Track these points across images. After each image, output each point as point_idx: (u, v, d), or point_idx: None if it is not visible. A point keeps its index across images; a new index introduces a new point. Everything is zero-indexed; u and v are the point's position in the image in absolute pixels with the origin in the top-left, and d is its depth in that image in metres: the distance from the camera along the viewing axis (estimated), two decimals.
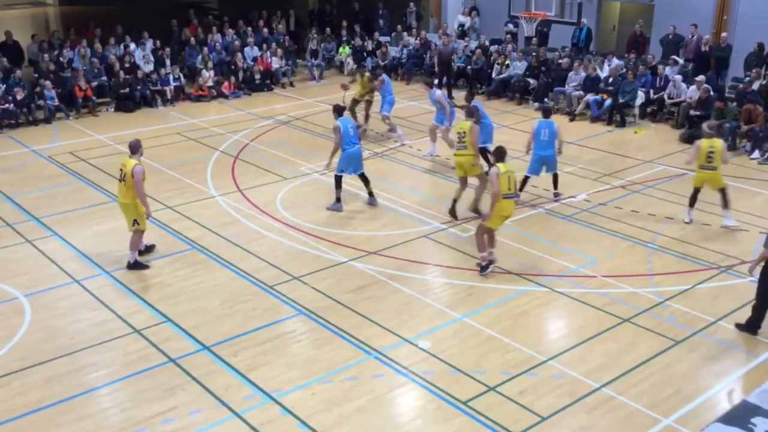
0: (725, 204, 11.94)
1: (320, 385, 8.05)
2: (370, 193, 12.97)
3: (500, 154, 10.25)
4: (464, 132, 11.81)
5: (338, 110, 12.90)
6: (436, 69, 21.39)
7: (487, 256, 10.39)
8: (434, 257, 11.16)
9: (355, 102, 17.25)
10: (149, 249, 11.16)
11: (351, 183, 13.89)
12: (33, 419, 7.56)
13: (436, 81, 20.87)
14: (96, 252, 11.26)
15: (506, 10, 22.62)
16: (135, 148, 10.57)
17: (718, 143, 11.75)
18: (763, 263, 8.61)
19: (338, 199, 12.73)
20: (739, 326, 9.02)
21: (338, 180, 12.70)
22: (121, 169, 10.49)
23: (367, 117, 17.38)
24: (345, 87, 17.54)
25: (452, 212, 12.26)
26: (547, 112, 13.03)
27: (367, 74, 17.40)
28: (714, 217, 12.33)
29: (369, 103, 17.26)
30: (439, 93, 15.59)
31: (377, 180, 14.13)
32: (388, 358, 8.51)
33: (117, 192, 10.81)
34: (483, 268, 10.39)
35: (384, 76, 17.07)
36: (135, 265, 10.67)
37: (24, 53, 21.21)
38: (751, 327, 8.92)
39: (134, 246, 10.66)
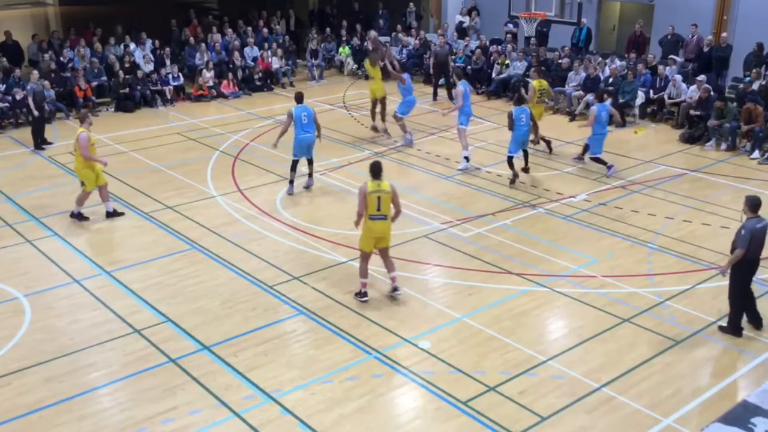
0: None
1: (320, 385, 8.06)
2: (310, 174, 13.74)
3: (374, 169, 9.51)
4: (545, 89, 16.07)
5: (297, 98, 13.68)
6: (431, 71, 21.29)
7: (366, 284, 9.77)
8: (434, 257, 11.17)
9: (374, 104, 16.77)
10: (118, 214, 12.55)
11: (349, 182, 13.91)
12: (33, 419, 7.57)
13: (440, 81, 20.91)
14: (96, 252, 11.27)
15: (506, 10, 22.60)
16: (83, 119, 12.22)
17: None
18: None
19: (291, 182, 13.53)
20: (722, 329, 9.02)
21: (293, 164, 13.47)
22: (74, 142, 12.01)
23: (383, 118, 16.81)
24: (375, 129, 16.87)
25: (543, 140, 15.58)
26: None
27: (368, 59, 16.95)
28: (714, 217, 12.34)
29: (383, 104, 16.64)
30: (461, 88, 15.07)
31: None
32: (388, 358, 8.52)
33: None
34: (359, 294, 9.76)
35: (406, 75, 16.57)
36: (78, 215, 12.32)
37: (24, 53, 21.22)
38: (735, 328, 8.92)
39: (80, 202, 12.31)
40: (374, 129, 16.86)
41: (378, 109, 16.83)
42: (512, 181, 13.88)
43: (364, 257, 9.67)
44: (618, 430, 7.38)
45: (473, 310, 9.54)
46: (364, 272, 9.73)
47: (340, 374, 8.23)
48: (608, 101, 14.74)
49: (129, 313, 9.53)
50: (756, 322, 9.02)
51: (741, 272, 8.71)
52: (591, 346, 8.75)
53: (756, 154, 15.44)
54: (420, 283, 10.29)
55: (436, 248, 11.44)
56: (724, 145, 15.95)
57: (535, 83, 16.09)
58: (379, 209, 9.38)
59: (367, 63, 17.18)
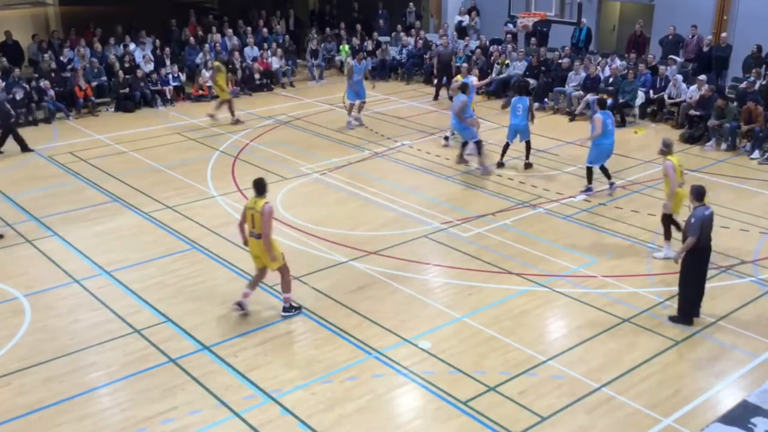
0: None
1: (320, 385, 8.06)
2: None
3: (254, 186, 9.21)
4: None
5: (461, 87, 14.93)
6: (435, 71, 21.31)
7: (248, 294, 9.46)
8: (434, 257, 11.16)
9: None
10: None
11: (349, 182, 13.91)
12: (33, 419, 7.57)
13: (435, 81, 20.96)
14: (96, 252, 11.27)
15: (506, 10, 22.61)
16: None
17: None
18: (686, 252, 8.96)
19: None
20: (673, 319, 9.23)
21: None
22: None
23: (215, 109, 18.42)
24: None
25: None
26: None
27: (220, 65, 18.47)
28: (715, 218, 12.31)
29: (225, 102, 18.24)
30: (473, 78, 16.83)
31: (377, 180, 14.15)
32: (388, 358, 8.52)
33: None
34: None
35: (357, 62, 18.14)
36: None
37: (24, 53, 21.22)
38: (686, 316, 9.13)
39: None
40: (237, 121, 18.15)
41: (217, 103, 18.41)
42: (499, 165, 14.89)
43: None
44: (618, 430, 7.38)
45: (473, 310, 9.54)
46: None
47: (340, 374, 8.23)
48: (608, 101, 14.59)
49: (129, 313, 9.53)
50: (695, 315, 9.24)
51: (696, 260, 9.00)
52: (591, 346, 8.75)
53: (756, 154, 15.44)
54: (420, 283, 10.29)
55: (436, 248, 11.44)
56: (724, 145, 15.94)
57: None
58: (253, 227, 9.10)
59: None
